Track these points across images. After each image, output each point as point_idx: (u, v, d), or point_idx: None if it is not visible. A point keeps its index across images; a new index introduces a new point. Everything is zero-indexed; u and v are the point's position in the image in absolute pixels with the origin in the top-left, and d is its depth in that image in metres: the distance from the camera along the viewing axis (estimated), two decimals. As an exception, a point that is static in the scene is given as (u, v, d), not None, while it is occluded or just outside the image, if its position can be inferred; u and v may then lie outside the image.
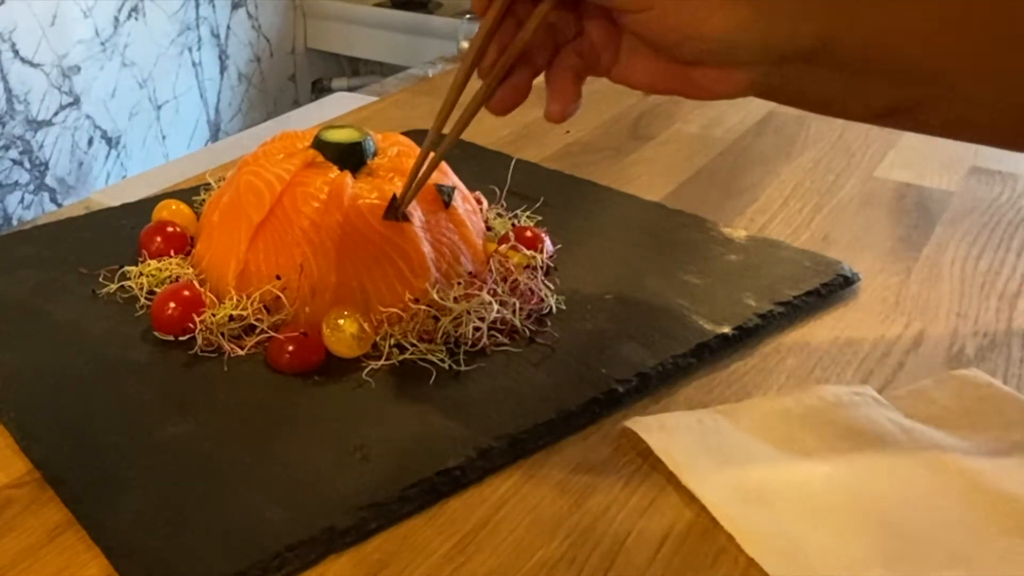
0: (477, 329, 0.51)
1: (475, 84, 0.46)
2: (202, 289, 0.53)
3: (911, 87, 0.45)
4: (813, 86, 0.46)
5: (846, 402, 0.47)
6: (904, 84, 0.45)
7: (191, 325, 0.51)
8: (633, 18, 0.43)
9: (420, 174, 0.50)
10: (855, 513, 0.40)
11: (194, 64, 2.31)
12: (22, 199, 1.98)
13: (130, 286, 0.55)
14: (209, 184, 0.68)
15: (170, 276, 0.56)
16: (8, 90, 1.89)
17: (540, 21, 0.45)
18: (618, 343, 0.52)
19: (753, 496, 0.41)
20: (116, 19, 2.09)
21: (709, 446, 0.44)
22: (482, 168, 0.71)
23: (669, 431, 0.44)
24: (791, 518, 0.40)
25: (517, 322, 0.53)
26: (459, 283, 0.54)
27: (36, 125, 1.97)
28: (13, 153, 1.93)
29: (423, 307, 0.51)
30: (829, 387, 0.48)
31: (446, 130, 0.49)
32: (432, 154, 0.50)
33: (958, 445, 0.44)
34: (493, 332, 0.52)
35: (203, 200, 0.64)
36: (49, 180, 2.02)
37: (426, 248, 0.53)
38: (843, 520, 0.40)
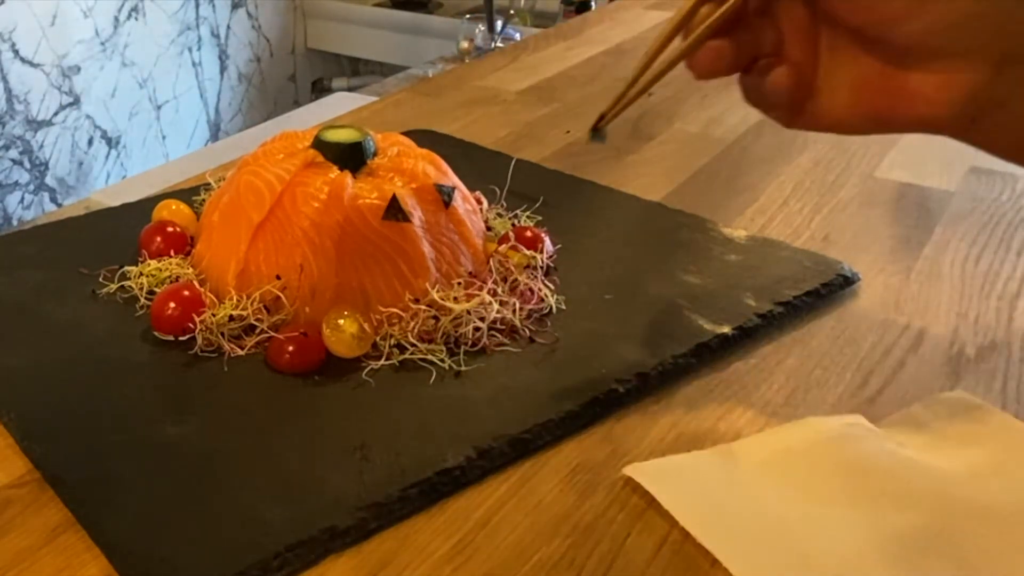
0: (477, 329, 0.51)
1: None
2: (202, 289, 0.53)
3: None
4: None
5: (843, 435, 0.46)
6: None
7: (191, 325, 0.51)
8: None
9: (627, 97, 0.47)
10: (864, 550, 0.40)
11: (194, 64, 2.31)
12: (22, 199, 1.99)
13: (130, 286, 0.55)
14: (209, 184, 0.68)
15: (170, 276, 0.56)
16: (8, 90, 1.89)
17: None
18: (618, 343, 0.52)
19: (760, 539, 0.40)
20: (116, 19, 2.09)
21: (713, 491, 0.43)
22: (482, 168, 0.71)
23: (670, 477, 0.44)
24: (798, 559, 0.40)
25: (517, 322, 0.53)
26: (459, 283, 0.54)
27: (36, 125, 1.97)
28: (13, 153, 1.94)
29: (423, 307, 0.51)
30: (822, 419, 0.47)
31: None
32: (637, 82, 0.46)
33: (956, 475, 0.44)
34: (493, 332, 0.52)
35: (203, 200, 0.64)
36: (49, 180, 2.02)
37: (426, 248, 0.53)
38: (851, 558, 0.40)
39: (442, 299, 0.52)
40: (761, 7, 0.41)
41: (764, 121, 0.89)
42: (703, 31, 0.41)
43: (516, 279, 0.55)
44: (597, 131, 0.49)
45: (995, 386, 0.51)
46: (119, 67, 2.11)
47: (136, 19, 2.13)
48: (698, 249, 0.63)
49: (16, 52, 1.89)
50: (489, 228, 0.62)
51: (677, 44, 0.43)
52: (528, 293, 0.55)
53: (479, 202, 0.63)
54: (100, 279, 0.57)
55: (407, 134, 0.62)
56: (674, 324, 0.54)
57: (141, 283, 0.55)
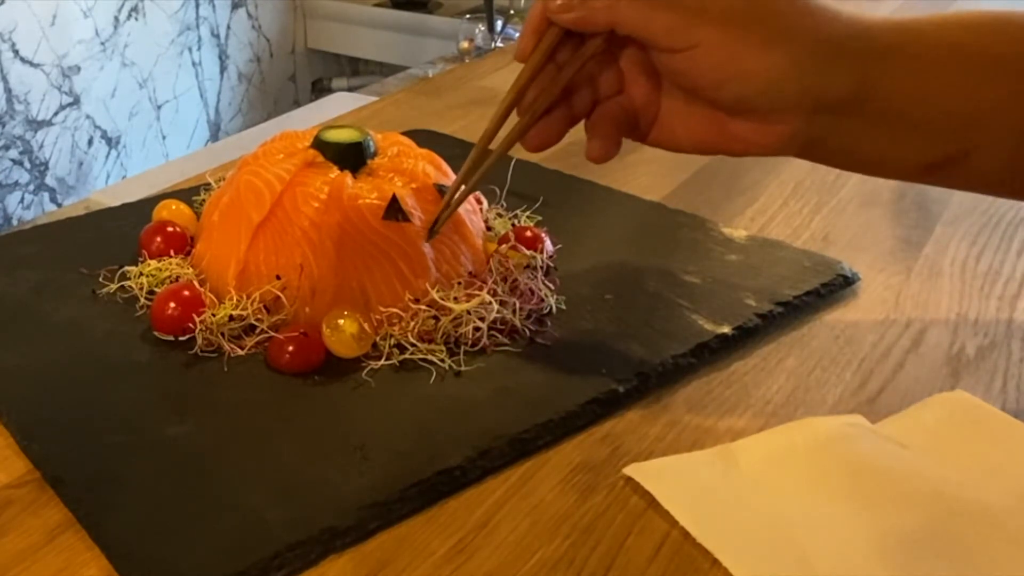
0: (477, 329, 0.51)
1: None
2: (202, 289, 0.53)
3: (950, 139, 0.46)
4: (851, 141, 0.46)
5: (843, 435, 0.46)
6: (942, 136, 0.46)
7: (191, 325, 0.51)
8: (674, 58, 0.43)
9: (453, 201, 0.51)
10: (864, 550, 0.40)
11: (194, 64, 2.31)
12: (22, 199, 1.98)
13: (130, 286, 0.55)
14: (209, 184, 0.68)
15: (170, 276, 0.56)
16: (8, 90, 1.89)
17: (583, 63, 0.45)
18: (618, 343, 0.52)
19: (760, 539, 0.40)
20: (116, 19, 2.09)
21: (713, 491, 0.43)
22: (482, 168, 0.71)
23: (670, 477, 0.44)
24: (798, 559, 0.40)
25: (517, 322, 0.53)
26: (459, 283, 0.54)
27: (36, 125, 1.97)
28: (13, 153, 1.94)
29: (423, 307, 0.51)
30: (823, 419, 0.47)
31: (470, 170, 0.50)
32: (463, 187, 0.51)
33: (956, 475, 0.44)
34: (493, 332, 0.52)
35: (203, 200, 0.64)
36: (49, 180, 2.02)
37: (426, 248, 0.53)
38: (851, 558, 0.40)
39: (442, 299, 0.52)
40: (606, 59, 0.47)
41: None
42: (537, 108, 0.46)
43: (516, 279, 0.55)
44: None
45: (995, 386, 0.51)
46: (119, 67, 2.11)
47: (136, 19, 2.13)
48: (698, 249, 0.63)
49: (16, 52, 1.89)
50: (489, 228, 0.62)
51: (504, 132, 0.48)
52: (528, 293, 0.55)
53: (479, 202, 0.63)
54: (100, 279, 0.57)
55: (407, 134, 0.62)
56: (674, 324, 0.54)
57: (141, 283, 0.55)
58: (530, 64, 0.46)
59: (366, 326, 0.50)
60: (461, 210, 0.56)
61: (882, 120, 0.45)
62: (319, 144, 0.55)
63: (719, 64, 0.42)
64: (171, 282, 0.55)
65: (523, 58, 0.46)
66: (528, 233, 0.59)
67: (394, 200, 0.52)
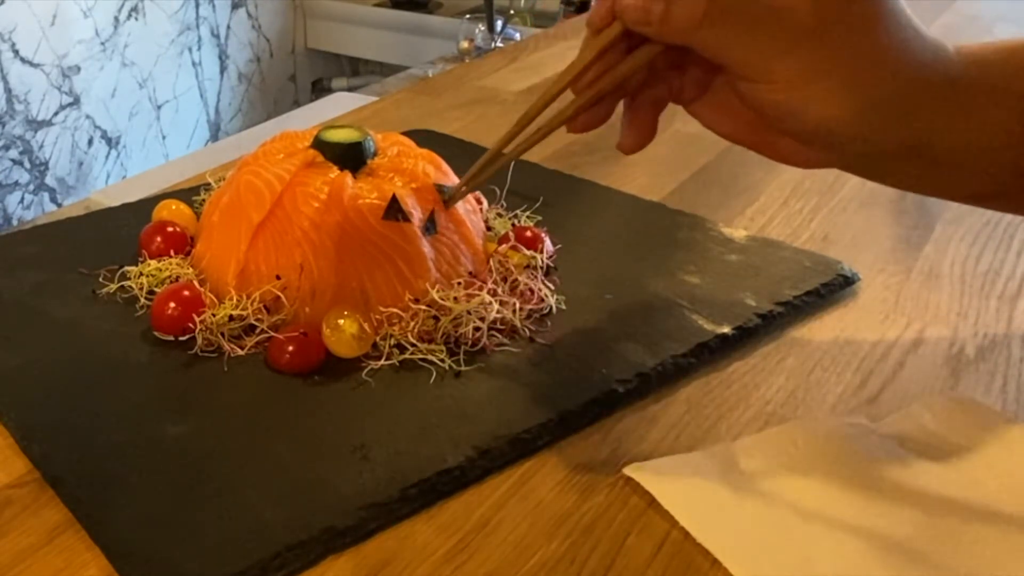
0: (477, 329, 0.51)
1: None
2: (202, 289, 0.53)
3: (1001, 179, 0.45)
4: (899, 175, 0.46)
5: (843, 435, 0.46)
6: (995, 177, 0.45)
7: (191, 325, 0.51)
8: (747, 85, 0.42)
9: (475, 176, 0.50)
10: (863, 550, 0.40)
11: (194, 64, 2.31)
12: (22, 199, 1.99)
13: (130, 286, 0.55)
14: (209, 184, 0.68)
15: (170, 276, 0.56)
16: (8, 90, 1.89)
17: (648, 58, 0.43)
18: (618, 343, 0.52)
19: (760, 539, 0.40)
20: (116, 19, 2.09)
21: (713, 491, 0.43)
22: (482, 168, 0.71)
23: (670, 477, 0.44)
24: (798, 559, 0.40)
25: (517, 322, 0.53)
26: (459, 283, 0.54)
27: (36, 125, 1.97)
28: (13, 153, 1.94)
29: (423, 307, 0.51)
30: (823, 419, 0.48)
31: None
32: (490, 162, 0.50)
33: (956, 475, 0.44)
34: (493, 332, 0.52)
35: (203, 200, 0.64)
36: (49, 180, 2.02)
37: (426, 248, 0.53)
38: (850, 557, 0.40)
39: (442, 299, 0.52)
40: (670, 64, 0.45)
41: (764, 121, 0.89)
42: (593, 94, 0.45)
43: (516, 279, 0.55)
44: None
45: (995, 386, 0.51)
46: (119, 67, 2.11)
47: (136, 19, 2.13)
48: (698, 249, 0.63)
49: (16, 52, 1.89)
50: (489, 228, 0.62)
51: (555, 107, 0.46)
52: (528, 293, 0.55)
53: (479, 202, 0.63)
54: (100, 279, 0.57)
55: (407, 134, 0.62)
56: (674, 324, 0.54)
57: (141, 283, 0.55)
58: (602, 38, 0.43)
59: (366, 326, 0.50)
60: (461, 210, 0.56)
61: (933, 166, 0.44)
62: (319, 144, 0.55)
63: (785, 102, 0.41)
64: (171, 282, 0.55)
65: (598, 27, 0.43)
66: (528, 233, 0.59)
67: (394, 200, 0.52)
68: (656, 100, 0.46)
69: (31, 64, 1.92)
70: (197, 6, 2.27)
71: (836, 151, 0.44)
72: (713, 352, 0.53)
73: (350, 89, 2.23)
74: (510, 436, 0.45)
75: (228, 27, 2.37)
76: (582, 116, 0.46)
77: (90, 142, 2.09)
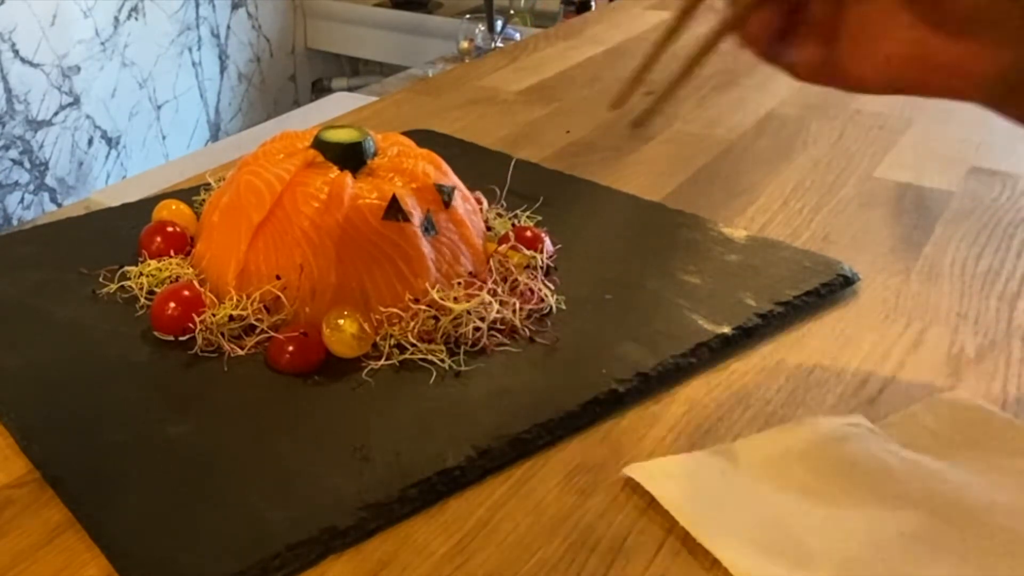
0: (477, 329, 0.51)
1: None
2: (202, 289, 0.53)
3: None
4: None
5: (843, 435, 0.46)
6: None
7: (191, 325, 0.51)
8: None
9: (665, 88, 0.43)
10: (863, 550, 0.40)
11: (194, 64, 2.31)
12: (22, 199, 1.99)
13: (130, 286, 0.55)
14: (209, 184, 0.68)
15: (170, 276, 0.56)
16: (8, 90, 1.89)
17: None
18: (618, 343, 0.52)
19: (760, 540, 0.40)
20: (116, 19, 2.09)
21: (713, 491, 0.43)
22: (482, 168, 0.71)
23: (670, 477, 0.44)
24: (798, 559, 0.39)
25: (517, 322, 0.53)
26: (459, 283, 0.54)
27: (36, 125, 1.97)
28: (13, 153, 1.94)
29: (423, 307, 0.51)
30: (823, 419, 0.47)
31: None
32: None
33: (956, 476, 0.44)
34: (493, 332, 0.52)
35: (203, 200, 0.64)
36: (49, 180, 2.02)
37: (426, 248, 0.53)
38: (850, 557, 0.40)
39: (442, 299, 0.52)
40: None
41: (764, 121, 0.89)
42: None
43: (516, 279, 0.55)
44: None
45: (995, 386, 0.51)
46: (119, 67, 2.11)
47: (136, 19, 2.13)
48: (698, 249, 0.63)
49: (16, 52, 1.89)
50: (489, 228, 0.62)
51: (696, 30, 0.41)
52: (528, 293, 0.55)
53: (479, 202, 0.63)
54: (100, 279, 0.57)
55: (407, 134, 0.62)
56: (674, 324, 0.54)
57: (141, 283, 0.55)
58: None
59: (366, 326, 0.50)
60: (461, 210, 0.56)
61: None
62: (319, 144, 0.55)
63: None
64: (171, 282, 0.55)
65: None
66: (528, 233, 0.59)
67: (394, 200, 0.52)
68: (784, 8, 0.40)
69: (31, 64, 1.92)
70: (197, 6, 2.27)
71: (1008, 33, 0.37)
72: (713, 352, 0.52)
73: (350, 89, 2.23)
74: (510, 436, 0.45)
75: (228, 27, 2.37)
76: (753, 21, 0.40)
77: (90, 142, 2.09)
